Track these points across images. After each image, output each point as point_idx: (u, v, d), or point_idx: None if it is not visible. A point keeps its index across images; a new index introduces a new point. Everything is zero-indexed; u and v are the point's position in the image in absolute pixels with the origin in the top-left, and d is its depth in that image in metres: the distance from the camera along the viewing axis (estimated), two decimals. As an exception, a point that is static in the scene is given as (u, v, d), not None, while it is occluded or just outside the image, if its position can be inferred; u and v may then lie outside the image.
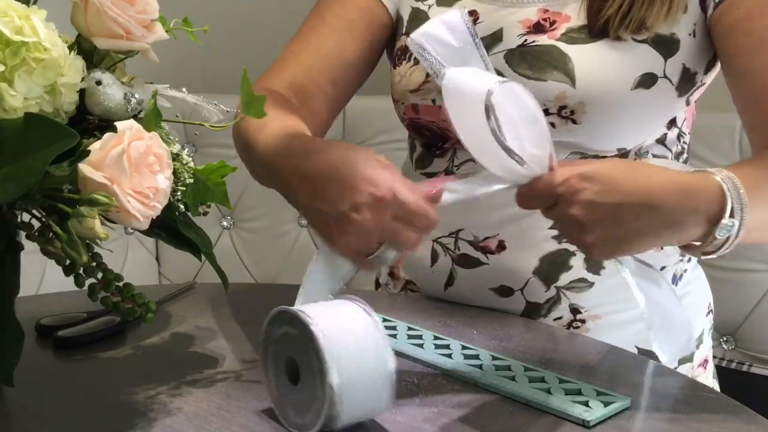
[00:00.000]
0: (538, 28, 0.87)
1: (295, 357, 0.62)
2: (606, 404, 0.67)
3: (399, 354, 0.77)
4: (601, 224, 0.66)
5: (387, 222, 0.65)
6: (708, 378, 0.99)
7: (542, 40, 0.86)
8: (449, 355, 0.77)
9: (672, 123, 0.90)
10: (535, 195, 0.68)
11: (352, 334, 0.60)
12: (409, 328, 0.83)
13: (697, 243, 0.71)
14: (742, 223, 0.69)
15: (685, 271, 0.96)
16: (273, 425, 0.64)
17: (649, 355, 0.91)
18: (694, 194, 0.69)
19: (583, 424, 0.65)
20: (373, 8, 0.98)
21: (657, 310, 0.70)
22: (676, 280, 0.94)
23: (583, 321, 0.90)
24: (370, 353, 0.60)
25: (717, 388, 1.00)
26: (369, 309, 0.63)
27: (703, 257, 0.74)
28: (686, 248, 0.73)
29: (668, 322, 0.71)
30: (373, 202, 0.64)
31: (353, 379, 0.59)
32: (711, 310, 1.01)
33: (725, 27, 0.85)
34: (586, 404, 0.67)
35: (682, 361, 0.95)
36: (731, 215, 0.68)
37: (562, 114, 0.85)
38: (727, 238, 0.69)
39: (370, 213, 0.64)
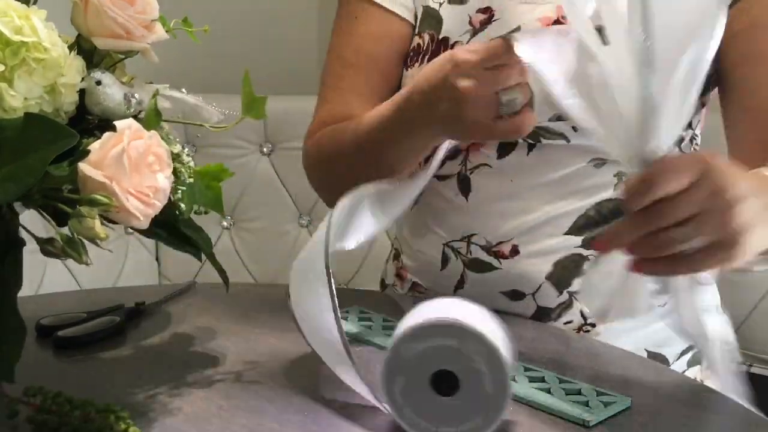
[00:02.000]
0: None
1: (450, 368, 0.60)
2: (606, 404, 0.67)
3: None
4: (747, 195, 0.57)
5: (482, 74, 0.69)
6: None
7: None
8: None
9: (688, 126, 0.89)
10: (674, 168, 0.56)
11: (496, 328, 0.63)
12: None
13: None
14: None
15: None
16: (273, 426, 0.64)
17: (657, 357, 0.91)
18: None
19: (583, 424, 0.65)
20: (391, 31, 0.95)
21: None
22: None
23: (593, 325, 0.90)
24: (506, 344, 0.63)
25: None
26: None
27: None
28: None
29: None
30: (457, 69, 0.71)
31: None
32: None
33: (730, 33, 0.83)
34: (586, 404, 0.67)
35: (691, 364, 0.94)
36: None
37: None
38: None
39: (463, 80, 0.70)
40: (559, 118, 0.85)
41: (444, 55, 0.74)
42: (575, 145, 0.86)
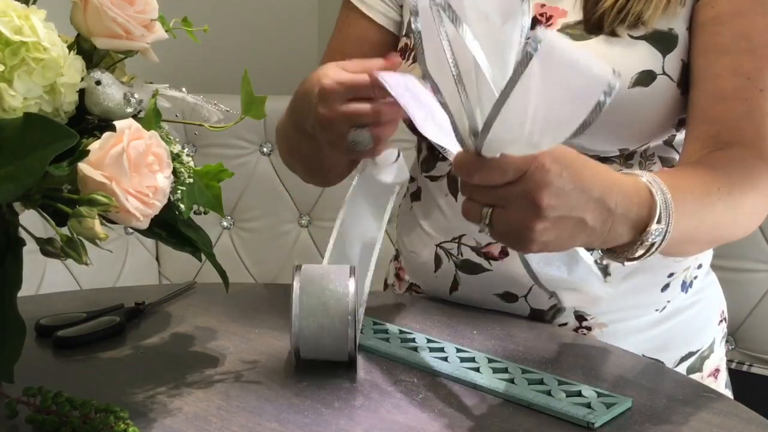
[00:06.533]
0: (533, 24, 0.86)
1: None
2: (608, 405, 0.67)
3: (392, 358, 0.77)
4: (557, 211, 0.61)
5: (338, 107, 0.73)
6: (720, 388, 0.98)
7: None
8: (444, 359, 0.76)
9: (681, 124, 0.89)
10: (501, 167, 0.61)
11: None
12: (401, 332, 0.82)
13: (621, 247, 0.69)
14: (668, 230, 0.67)
15: (696, 278, 0.94)
16: (273, 426, 0.64)
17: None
18: (631, 195, 0.66)
19: (588, 426, 0.65)
20: (370, 36, 0.98)
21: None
22: (686, 287, 0.93)
23: (589, 328, 0.90)
24: None
25: (731, 397, 0.99)
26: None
27: (627, 262, 0.71)
28: (609, 252, 0.70)
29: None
30: (320, 95, 0.74)
31: None
32: (724, 318, 1.00)
33: (697, 24, 0.85)
34: (588, 406, 0.67)
35: (690, 371, 0.94)
36: (658, 221, 0.67)
37: None
38: (652, 245, 0.68)
39: (322, 106, 0.74)
40: None
41: (318, 73, 0.76)
42: None
